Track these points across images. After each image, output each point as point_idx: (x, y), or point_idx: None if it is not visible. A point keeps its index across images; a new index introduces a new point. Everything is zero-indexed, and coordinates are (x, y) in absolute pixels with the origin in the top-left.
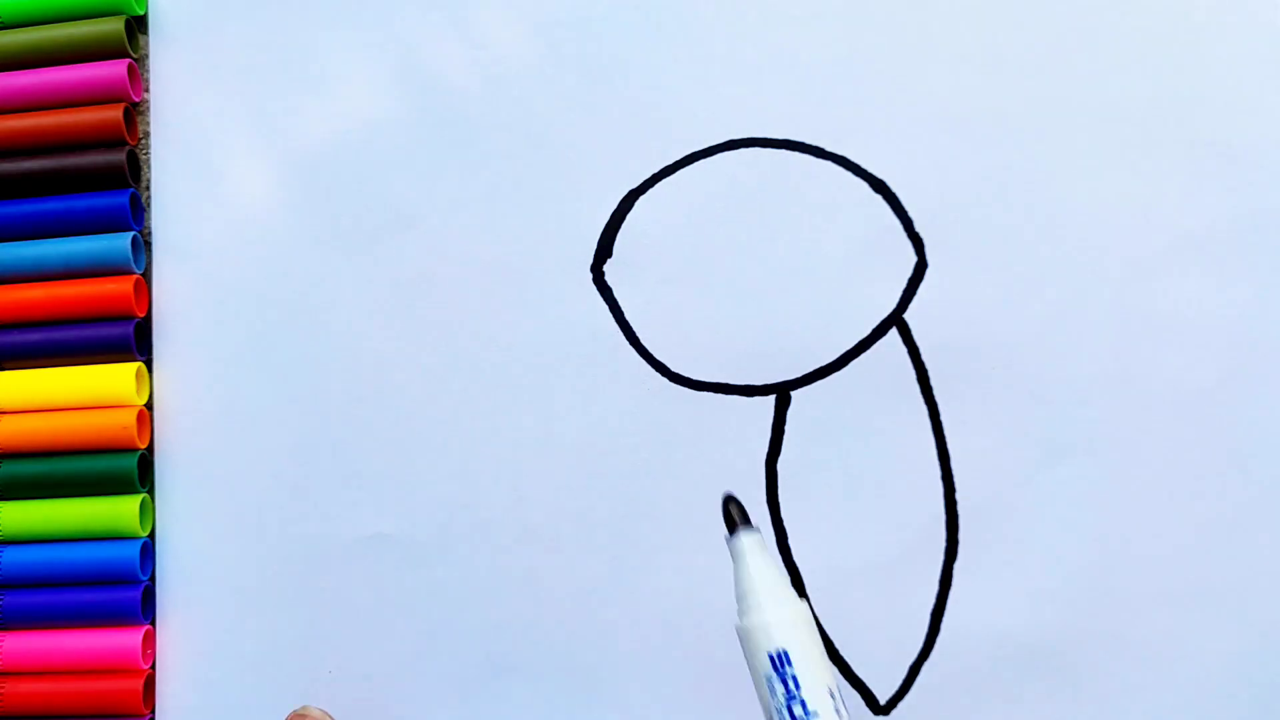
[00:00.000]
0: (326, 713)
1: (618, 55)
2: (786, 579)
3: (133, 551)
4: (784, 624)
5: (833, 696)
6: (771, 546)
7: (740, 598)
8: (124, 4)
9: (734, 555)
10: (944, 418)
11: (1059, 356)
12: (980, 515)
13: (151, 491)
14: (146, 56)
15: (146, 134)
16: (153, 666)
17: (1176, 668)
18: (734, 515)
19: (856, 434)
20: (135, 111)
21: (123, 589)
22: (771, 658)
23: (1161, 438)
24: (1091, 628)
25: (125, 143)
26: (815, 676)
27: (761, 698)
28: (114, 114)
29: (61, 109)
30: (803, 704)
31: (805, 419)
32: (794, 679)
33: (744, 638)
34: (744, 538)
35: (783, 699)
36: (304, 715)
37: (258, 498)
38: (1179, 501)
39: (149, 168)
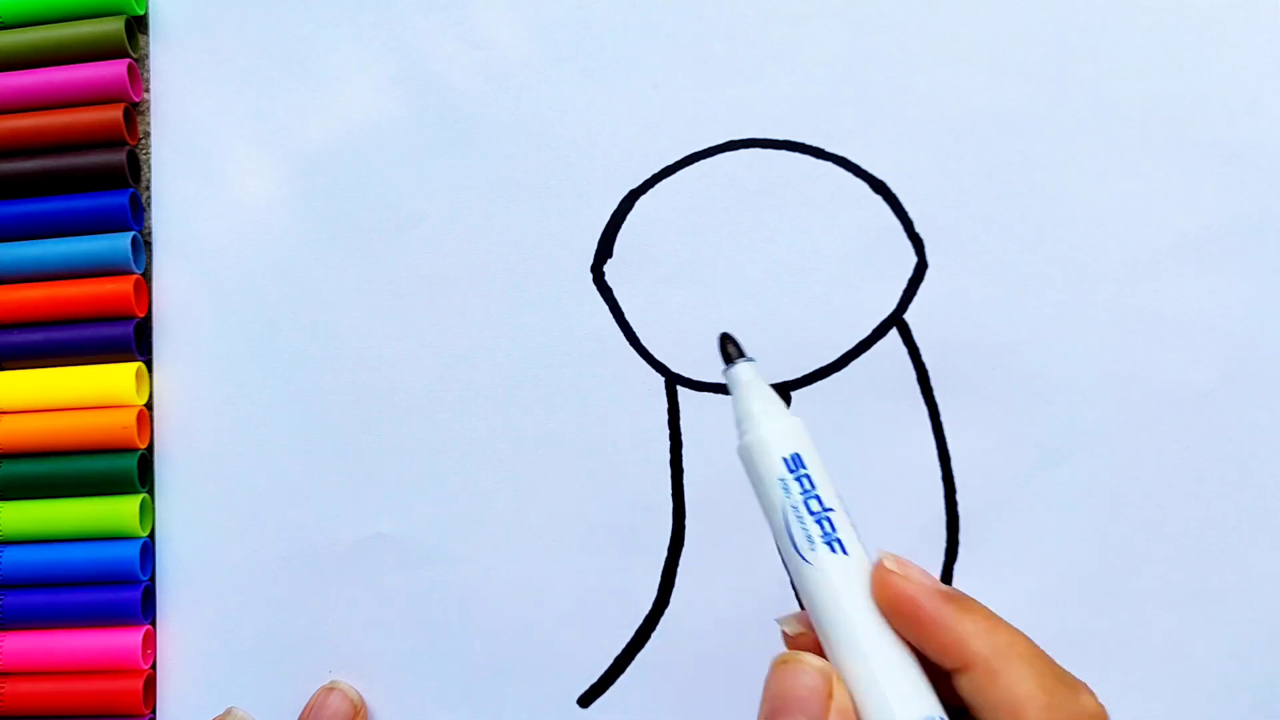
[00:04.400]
0: (354, 689)
1: (618, 55)
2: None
3: (133, 551)
4: (794, 430)
5: (839, 498)
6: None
7: (742, 419)
8: (124, 4)
9: (733, 383)
10: (944, 418)
11: (1059, 356)
12: (980, 515)
13: (151, 491)
14: (146, 56)
15: (146, 134)
16: (153, 666)
17: (1176, 668)
18: (730, 349)
19: (856, 434)
20: (135, 111)
21: (123, 589)
22: (785, 461)
23: (1161, 438)
24: (1091, 628)
25: (125, 143)
26: (825, 478)
27: (769, 507)
28: (114, 114)
29: (61, 109)
30: (819, 499)
31: (805, 419)
32: (808, 478)
33: (752, 450)
34: (742, 366)
35: (799, 496)
36: (332, 688)
37: (258, 498)
38: (1179, 501)
39: (149, 168)
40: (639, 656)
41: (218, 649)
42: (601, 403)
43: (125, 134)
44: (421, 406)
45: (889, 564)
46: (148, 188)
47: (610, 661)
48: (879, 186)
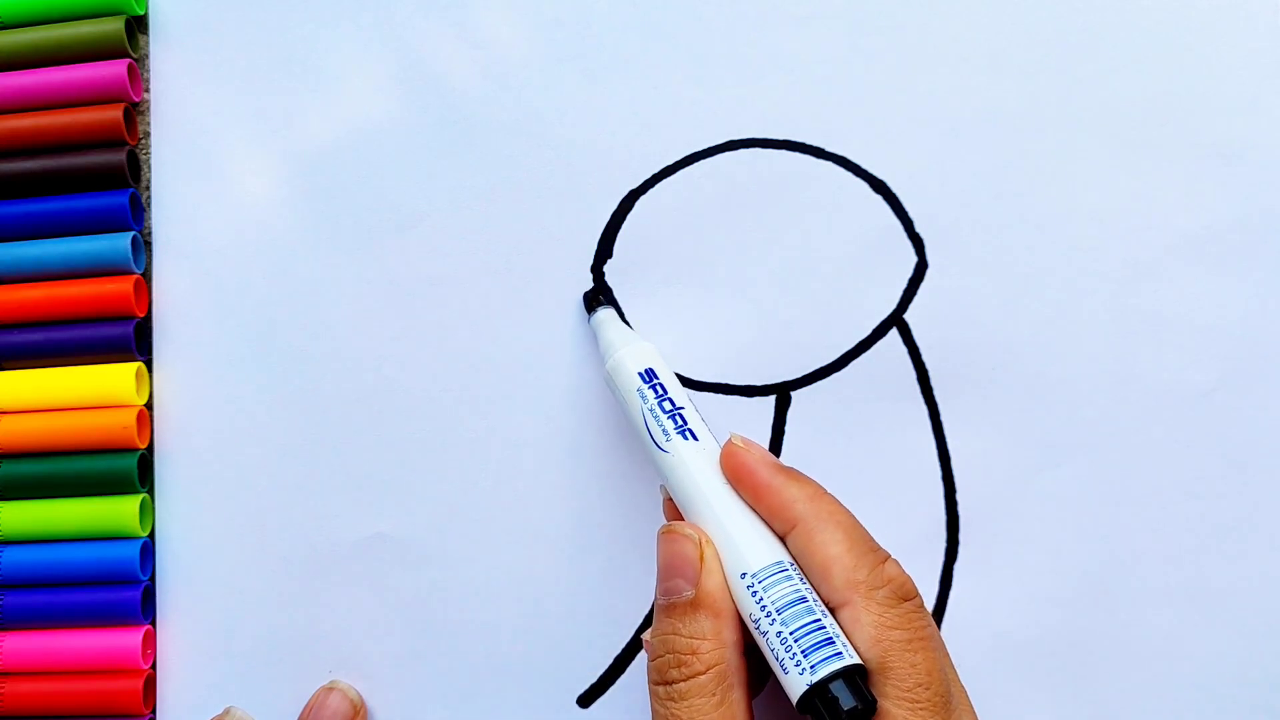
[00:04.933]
0: (354, 689)
1: (618, 55)
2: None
3: (133, 551)
4: (646, 351)
5: (690, 400)
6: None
7: (605, 350)
8: (124, 4)
9: (597, 325)
10: (944, 418)
11: (1059, 356)
12: (980, 515)
13: (151, 491)
14: (146, 56)
15: (146, 134)
16: (153, 666)
17: (1176, 668)
18: (594, 299)
19: (856, 434)
20: (135, 111)
21: (123, 589)
22: (641, 375)
23: (1161, 438)
24: (1091, 628)
25: (125, 143)
26: (676, 385)
27: (631, 414)
28: (114, 114)
29: (61, 109)
30: (671, 400)
31: (805, 419)
32: (660, 385)
33: (613, 373)
34: (602, 312)
35: (654, 400)
36: (332, 688)
37: (257, 498)
38: (1179, 501)
39: (149, 168)
40: (639, 656)
41: (218, 649)
42: (601, 403)
43: (125, 134)
44: (421, 406)
45: (737, 441)
46: (148, 188)
47: (610, 661)
48: (879, 186)
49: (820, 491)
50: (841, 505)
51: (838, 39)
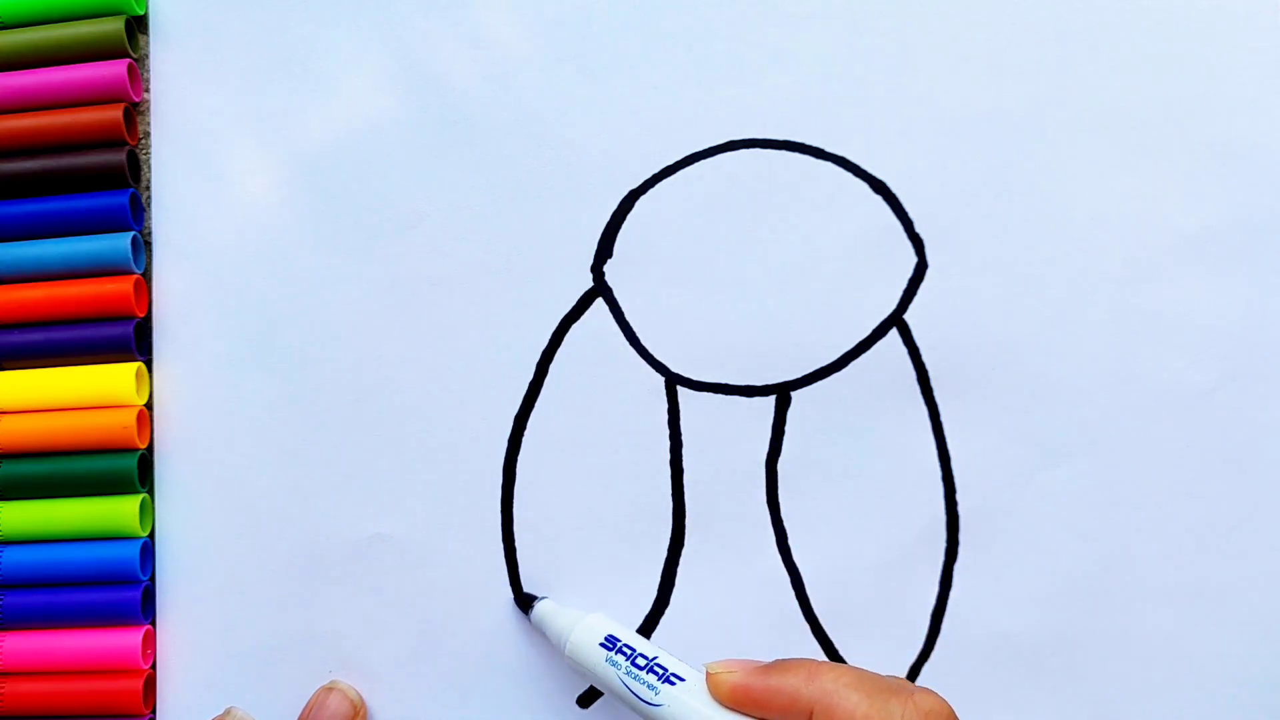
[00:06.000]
0: (354, 689)
1: (618, 55)
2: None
3: (133, 551)
4: (599, 622)
5: (659, 647)
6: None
7: (559, 639)
8: (124, 4)
9: (540, 619)
10: (944, 418)
11: (1059, 356)
12: (980, 516)
13: (151, 491)
14: (146, 56)
15: (146, 134)
16: (153, 666)
17: (1176, 668)
18: (525, 598)
19: (856, 434)
20: (135, 111)
21: (123, 589)
22: (603, 645)
23: (1161, 438)
24: (1091, 628)
25: (125, 143)
26: (640, 639)
27: (609, 685)
28: (114, 114)
29: (61, 109)
30: (643, 656)
31: (805, 419)
32: (628, 647)
33: (575, 655)
34: (540, 605)
35: (626, 663)
36: (332, 688)
37: (257, 498)
38: (1179, 501)
39: (149, 168)
40: None
41: (218, 649)
42: (601, 403)
43: (125, 134)
44: (421, 406)
45: (713, 669)
46: (148, 188)
47: None
48: (879, 186)
49: (815, 666)
50: (841, 666)
51: (838, 39)
